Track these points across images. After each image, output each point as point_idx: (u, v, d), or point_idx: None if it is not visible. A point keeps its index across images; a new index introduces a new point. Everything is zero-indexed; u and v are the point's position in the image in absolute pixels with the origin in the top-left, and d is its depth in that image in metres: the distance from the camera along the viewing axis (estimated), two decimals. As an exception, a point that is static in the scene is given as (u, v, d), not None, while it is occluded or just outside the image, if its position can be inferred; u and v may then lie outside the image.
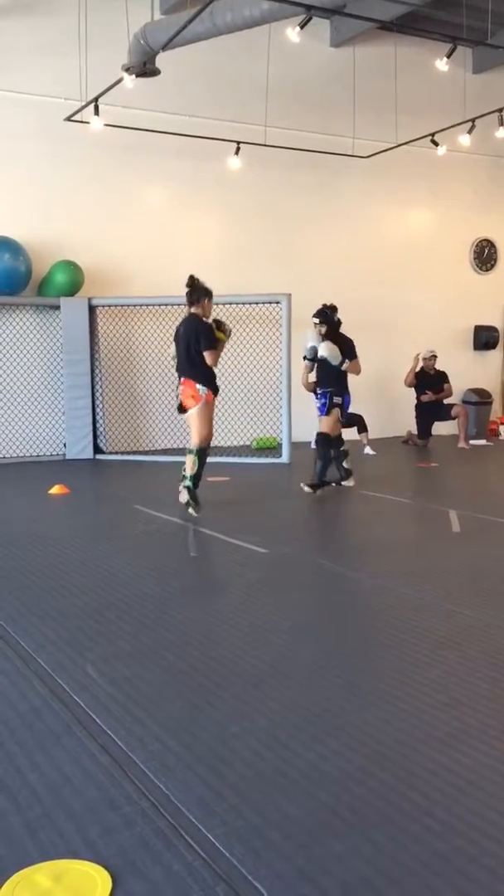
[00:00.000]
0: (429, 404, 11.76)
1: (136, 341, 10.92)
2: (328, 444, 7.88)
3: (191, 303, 6.99)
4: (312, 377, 8.28)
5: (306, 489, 7.63)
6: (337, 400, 7.92)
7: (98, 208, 10.73)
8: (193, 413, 6.87)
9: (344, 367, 7.84)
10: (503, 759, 2.72)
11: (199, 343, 6.80)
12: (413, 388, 11.82)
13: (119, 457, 10.53)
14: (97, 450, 10.57)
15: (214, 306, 10.74)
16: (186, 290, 6.98)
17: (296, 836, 2.29)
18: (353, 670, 3.52)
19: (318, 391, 8.08)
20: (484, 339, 13.67)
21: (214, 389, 6.92)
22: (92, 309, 10.46)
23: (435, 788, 2.54)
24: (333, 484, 8.05)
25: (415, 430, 12.00)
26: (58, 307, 10.31)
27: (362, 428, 10.98)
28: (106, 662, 3.59)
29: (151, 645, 3.83)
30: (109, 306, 10.65)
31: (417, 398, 11.83)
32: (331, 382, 7.95)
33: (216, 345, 6.85)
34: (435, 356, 11.79)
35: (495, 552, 5.73)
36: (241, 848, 2.23)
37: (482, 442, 12.38)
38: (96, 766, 2.70)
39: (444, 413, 11.75)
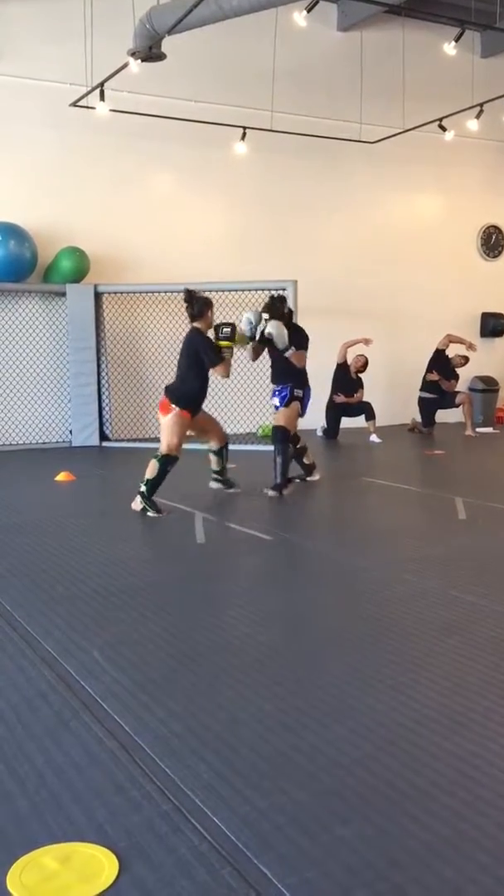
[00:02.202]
0: (435, 390, 11.70)
1: (142, 328, 10.90)
2: (286, 438, 7.33)
3: (192, 317, 6.69)
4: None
5: (270, 494, 7.09)
6: (297, 393, 7.38)
7: (104, 194, 10.70)
8: (166, 421, 6.61)
9: (288, 353, 7.19)
10: (508, 745, 2.72)
11: (196, 360, 6.54)
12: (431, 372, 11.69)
13: (125, 444, 10.54)
14: (103, 437, 10.58)
15: (221, 294, 10.81)
16: (185, 304, 6.70)
17: (301, 820, 2.30)
18: (359, 657, 3.53)
19: (276, 387, 7.56)
20: (491, 326, 13.62)
21: (190, 409, 6.64)
22: (98, 296, 10.45)
23: (440, 774, 2.55)
24: (297, 480, 7.61)
25: (419, 418, 11.98)
26: (63, 294, 10.30)
27: (370, 415, 10.97)
28: (112, 648, 3.60)
29: (157, 630, 3.85)
30: (115, 293, 10.63)
31: (426, 382, 11.72)
32: (289, 377, 7.39)
33: (221, 357, 6.59)
34: (467, 361, 11.75)
35: (500, 539, 5.73)
36: (247, 831, 2.25)
37: (489, 429, 12.36)
38: (103, 750, 2.71)
39: (448, 401, 11.72)
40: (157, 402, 6.87)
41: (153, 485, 6.45)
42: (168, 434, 6.56)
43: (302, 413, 7.53)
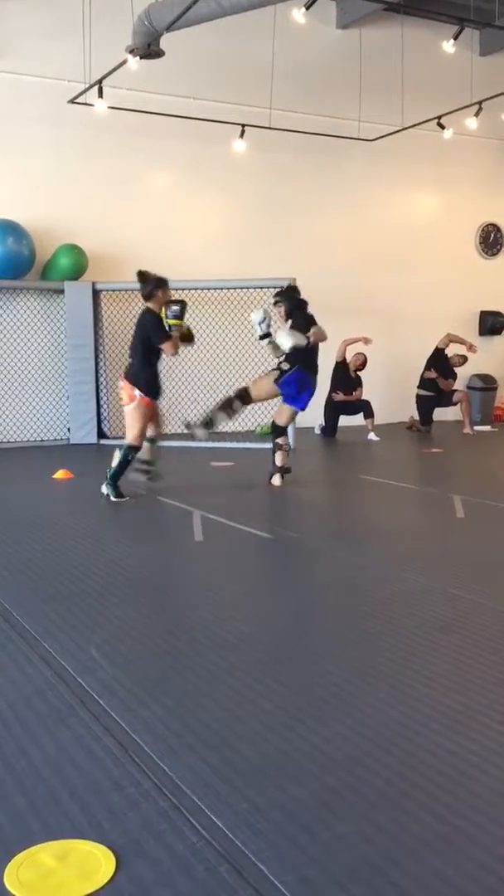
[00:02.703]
0: (432, 388, 11.71)
1: (132, 325, 10.88)
2: (242, 398, 7.54)
3: (145, 297, 6.77)
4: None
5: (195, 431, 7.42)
6: (283, 367, 7.27)
7: (102, 191, 10.69)
8: (128, 410, 6.76)
9: (311, 339, 7.14)
10: (506, 743, 2.72)
11: (148, 340, 6.63)
12: (430, 369, 11.69)
13: (123, 441, 10.50)
14: (101, 434, 10.57)
15: (220, 292, 10.79)
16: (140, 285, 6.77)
17: (299, 817, 2.30)
18: (357, 655, 3.53)
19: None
20: (489, 324, 13.62)
21: (153, 396, 6.74)
22: (96, 293, 10.44)
23: (438, 772, 2.54)
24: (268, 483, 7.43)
25: (417, 416, 11.98)
26: (62, 291, 10.29)
27: (368, 413, 10.97)
28: (110, 645, 3.60)
29: (155, 628, 3.84)
30: (113, 290, 10.62)
31: (424, 379, 11.71)
32: (294, 356, 7.23)
33: (169, 335, 6.62)
34: (465, 360, 11.73)
35: (499, 537, 5.73)
36: (245, 829, 2.24)
37: (487, 428, 12.36)
38: (100, 747, 2.71)
39: (446, 400, 11.72)
40: (120, 387, 6.97)
41: (116, 472, 6.71)
42: (129, 423, 6.73)
43: (294, 394, 7.30)
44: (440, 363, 11.66)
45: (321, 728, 2.83)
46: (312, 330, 7.15)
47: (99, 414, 10.58)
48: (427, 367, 11.70)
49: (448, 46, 9.30)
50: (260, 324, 7.33)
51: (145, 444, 7.08)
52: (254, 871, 2.07)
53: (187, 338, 6.91)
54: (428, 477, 8.53)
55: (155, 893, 2.00)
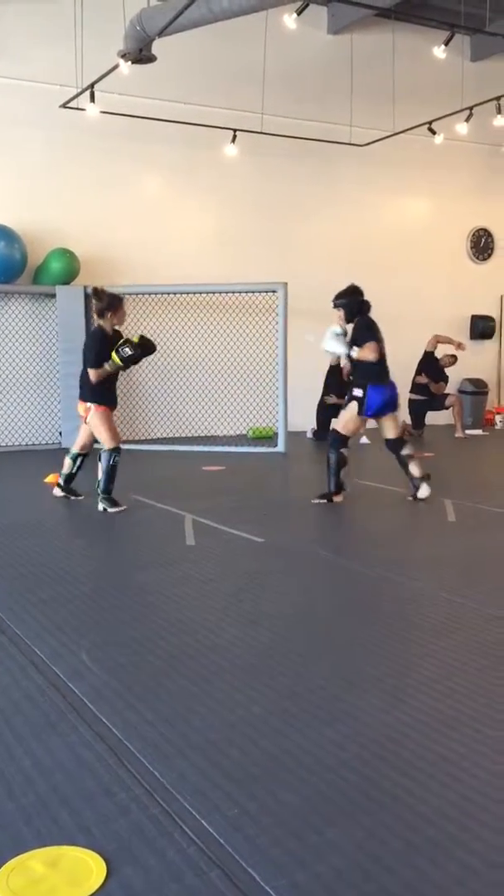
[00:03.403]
0: (424, 392, 11.72)
1: (132, 329, 10.87)
2: (334, 443, 6.88)
3: (97, 315, 6.62)
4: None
5: (314, 501, 6.88)
6: (356, 392, 6.81)
7: (94, 196, 10.69)
8: (92, 422, 6.61)
9: (354, 354, 6.76)
10: (496, 748, 2.73)
11: (85, 359, 6.58)
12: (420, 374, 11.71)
13: (102, 448, 10.50)
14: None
15: (211, 296, 10.80)
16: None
17: (290, 822, 2.30)
18: (348, 659, 3.53)
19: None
20: (480, 328, 13.66)
21: (107, 403, 6.61)
22: (88, 297, 10.41)
23: (429, 776, 2.55)
24: (409, 498, 6.98)
25: (409, 420, 11.99)
26: (53, 295, 10.28)
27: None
28: (101, 650, 3.59)
29: (147, 633, 3.84)
30: (105, 295, 10.60)
31: (415, 384, 11.72)
32: (354, 372, 6.96)
33: (102, 363, 6.46)
34: (455, 360, 11.76)
35: (490, 541, 5.75)
36: (236, 834, 2.24)
37: (478, 431, 12.39)
38: (91, 753, 2.70)
39: (438, 403, 11.75)
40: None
41: (107, 481, 6.56)
42: (100, 431, 6.59)
43: (368, 412, 6.80)
44: (430, 367, 11.68)
45: (312, 733, 2.84)
46: (358, 350, 6.73)
47: (91, 418, 10.56)
48: (418, 372, 11.71)
49: (439, 52, 9.34)
50: (339, 337, 6.85)
51: (67, 460, 6.97)
52: (244, 877, 2.07)
53: (146, 350, 6.66)
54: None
55: (145, 899, 2.00)
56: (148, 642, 3.72)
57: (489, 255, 13.88)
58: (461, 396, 12.36)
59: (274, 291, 10.28)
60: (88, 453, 6.98)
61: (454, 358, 11.74)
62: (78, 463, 6.97)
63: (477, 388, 13.14)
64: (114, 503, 6.55)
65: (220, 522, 6.14)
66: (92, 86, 9.25)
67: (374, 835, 2.25)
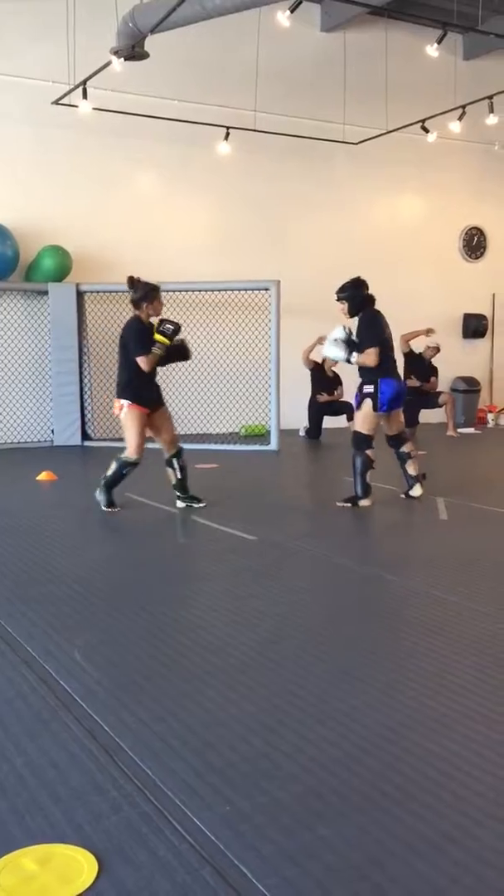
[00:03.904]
0: (416, 392, 11.72)
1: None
2: (359, 444, 6.63)
3: (134, 305, 6.38)
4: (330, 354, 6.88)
5: (339, 504, 6.70)
6: (367, 389, 6.60)
7: (86, 193, 10.67)
8: (123, 421, 6.38)
9: (353, 359, 6.55)
10: (489, 745, 2.73)
11: (127, 350, 6.29)
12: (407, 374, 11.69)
13: (108, 443, 10.49)
14: (85, 436, 10.55)
15: (205, 294, 10.79)
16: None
17: (282, 820, 2.30)
18: (341, 657, 3.53)
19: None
20: (473, 327, 13.69)
21: (142, 402, 6.32)
22: (80, 295, 10.41)
23: (421, 774, 2.55)
24: (402, 496, 6.99)
25: (401, 418, 11.98)
26: (46, 293, 10.27)
27: (351, 417, 10.98)
28: (94, 648, 3.59)
29: (139, 631, 3.83)
30: (98, 292, 10.60)
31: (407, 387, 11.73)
32: (362, 369, 6.68)
33: (149, 349, 6.22)
34: (438, 349, 11.67)
35: (482, 539, 5.76)
36: (228, 832, 2.24)
37: (470, 430, 12.42)
38: (83, 751, 2.70)
39: (431, 401, 11.75)
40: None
41: (109, 481, 6.39)
42: (126, 434, 6.37)
43: (383, 408, 6.61)
44: (416, 366, 11.62)
45: (304, 730, 2.84)
46: (357, 355, 6.53)
47: (83, 416, 10.55)
48: (406, 376, 11.65)
49: (432, 50, 9.34)
50: (341, 342, 6.63)
51: (168, 470, 6.59)
52: (236, 874, 2.07)
53: (181, 353, 6.52)
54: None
55: (137, 897, 1.99)
56: (140, 640, 3.71)
57: (482, 254, 13.90)
58: (453, 395, 12.38)
59: (266, 289, 10.28)
60: (181, 449, 6.63)
61: (436, 349, 11.61)
62: (177, 465, 6.58)
63: (469, 387, 13.17)
64: (110, 502, 6.38)
65: (212, 520, 6.14)
66: (84, 82, 9.23)
67: (367, 832, 2.25)
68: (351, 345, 6.61)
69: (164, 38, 9.21)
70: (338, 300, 6.74)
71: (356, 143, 11.75)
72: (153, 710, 2.99)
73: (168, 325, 6.29)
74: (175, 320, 6.44)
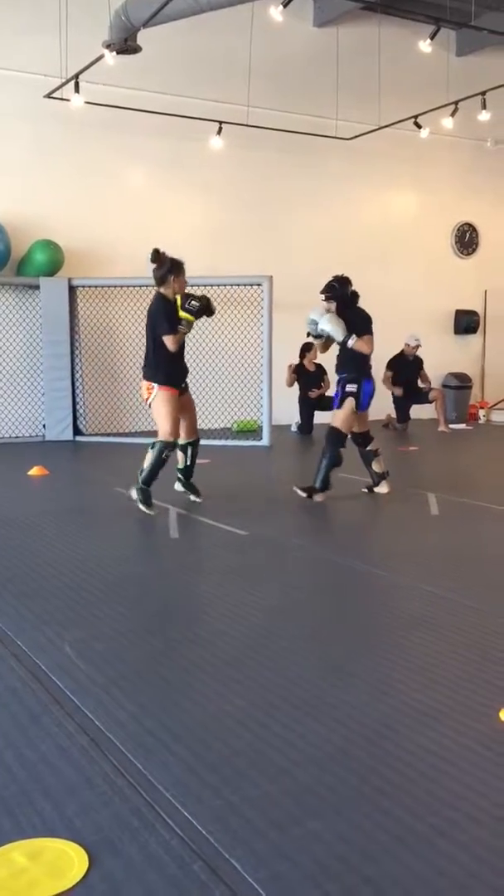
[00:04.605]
0: (407, 389, 11.77)
1: (117, 322, 10.85)
2: (336, 441, 6.66)
3: (157, 282, 6.18)
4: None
5: (299, 492, 6.68)
6: (350, 388, 6.67)
7: (78, 187, 10.63)
8: (153, 405, 6.19)
9: (350, 342, 6.57)
10: (479, 740, 2.74)
11: (156, 329, 6.09)
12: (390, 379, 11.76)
13: (99, 438, 10.49)
14: (77, 431, 10.53)
15: (194, 288, 10.75)
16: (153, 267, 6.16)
17: (273, 814, 2.30)
18: (332, 651, 3.54)
19: (337, 377, 6.88)
20: (464, 323, 13.71)
21: (172, 383, 6.15)
22: (72, 289, 10.38)
23: (412, 768, 2.56)
24: (364, 490, 7.06)
25: (394, 414, 12.03)
26: (37, 287, 10.23)
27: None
28: (84, 643, 3.58)
29: (130, 626, 3.83)
30: (90, 287, 10.57)
31: (393, 385, 11.76)
32: (345, 365, 6.75)
33: (174, 329, 6.07)
34: (418, 344, 11.67)
35: (472, 535, 5.77)
36: (218, 826, 2.24)
37: (462, 426, 12.44)
38: (74, 745, 2.69)
39: (422, 397, 11.80)
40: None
41: (148, 474, 6.12)
42: (157, 418, 6.15)
43: (362, 407, 6.75)
44: (401, 368, 11.65)
45: (295, 725, 2.84)
46: (356, 339, 6.58)
47: (75, 411, 10.53)
48: (394, 383, 11.67)
49: (425, 46, 9.34)
50: (310, 321, 6.72)
51: (178, 453, 6.45)
52: (227, 868, 2.07)
53: (207, 311, 6.26)
54: (403, 475, 8.56)
55: (128, 891, 1.99)
56: (131, 635, 3.71)
57: (474, 250, 13.92)
58: (444, 391, 12.40)
59: (259, 284, 10.26)
60: (198, 439, 6.55)
61: (416, 345, 11.60)
62: (189, 453, 6.49)
63: (461, 383, 13.19)
64: (147, 502, 6.11)
65: (204, 515, 6.14)
66: (76, 76, 9.19)
67: (358, 826, 2.25)
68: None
69: (156, 32, 9.18)
70: (325, 300, 6.75)
71: (349, 139, 11.74)
72: (144, 705, 2.98)
73: (194, 302, 6.13)
74: (200, 294, 6.29)
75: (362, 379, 6.70)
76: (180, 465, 6.57)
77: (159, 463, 6.13)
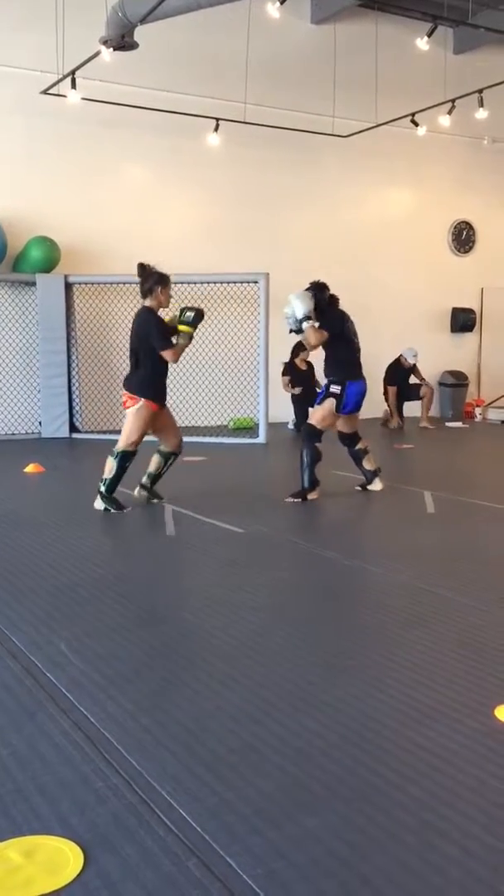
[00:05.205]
0: (402, 386, 11.84)
1: (113, 319, 10.84)
2: (309, 437, 6.68)
3: (143, 294, 6.14)
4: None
5: (288, 500, 6.62)
6: (333, 389, 6.68)
7: (75, 183, 10.61)
8: (128, 413, 6.16)
9: (305, 325, 6.55)
10: (473, 737, 2.74)
11: (147, 343, 6.02)
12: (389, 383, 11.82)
13: (95, 436, 10.48)
14: (73, 428, 10.52)
15: (193, 286, 10.76)
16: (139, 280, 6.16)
17: (268, 811, 2.30)
18: (327, 648, 3.54)
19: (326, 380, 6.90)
20: (461, 321, 13.71)
21: (159, 400, 6.18)
22: (68, 286, 10.37)
23: (406, 765, 2.56)
24: (358, 488, 7.04)
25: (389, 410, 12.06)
26: (33, 284, 10.21)
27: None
28: (80, 640, 3.58)
29: (126, 623, 3.83)
30: (86, 284, 10.55)
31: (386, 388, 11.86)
32: (330, 368, 6.80)
33: (172, 343, 6.05)
34: (415, 362, 11.72)
35: (468, 532, 5.78)
36: (214, 823, 2.24)
37: (458, 424, 12.45)
38: (69, 742, 2.69)
39: (413, 393, 11.88)
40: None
41: (112, 483, 6.17)
42: (129, 427, 6.15)
43: (346, 409, 6.72)
44: (398, 374, 11.74)
45: (290, 722, 2.84)
46: (317, 330, 6.56)
47: (71, 408, 10.52)
48: (389, 385, 11.76)
49: (422, 44, 9.33)
50: (293, 318, 6.63)
51: (156, 457, 6.46)
52: (222, 866, 2.07)
53: (200, 319, 6.25)
54: (399, 473, 8.56)
55: (123, 888, 1.99)
56: (127, 632, 3.71)
57: (470, 248, 13.92)
58: (433, 387, 12.36)
59: (255, 282, 10.26)
60: (180, 453, 6.53)
61: (413, 362, 11.70)
62: (169, 462, 6.48)
63: (457, 381, 13.19)
64: (118, 506, 6.16)
65: (200, 513, 6.13)
66: (73, 72, 9.17)
67: (353, 824, 2.25)
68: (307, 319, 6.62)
69: (153, 28, 9.16)
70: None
71: (345, 136, 11.73)
72: (139, 702, 2.98)
73: (189, 313, 6.14)
74: (194, 306, 6.31)
75: (347, 381, 6.69)
76: (152, 470, 6.49)
77: (122, 474, 6.17)
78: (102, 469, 6.24)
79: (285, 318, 6.74)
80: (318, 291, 6.73)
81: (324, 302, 6.71)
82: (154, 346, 6.02)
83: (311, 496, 6.70)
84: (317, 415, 6.81)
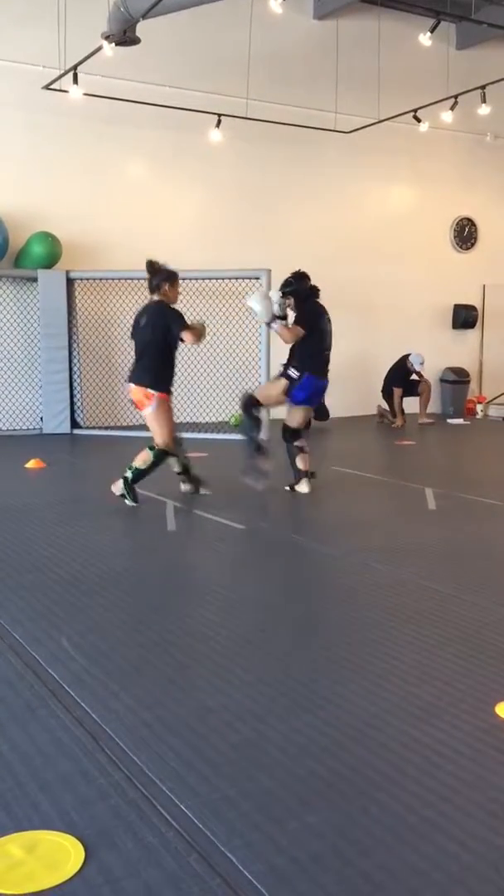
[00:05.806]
0: (402, 383, 11.86)
1: (115, 315, 10.83)
2: (245, 405, 6.80)
3: (151, 290, 6.24)
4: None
5: (296, 488, 6.80)
6: (292, 373, 6.65)
7: (76, 179, 10.60)
8: (149, 414, 6.15)
9: (275, 327, 6.61)
10: (473, 734, 2.75)
11: (168, 331, 6.03)
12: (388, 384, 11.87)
13: (97, 431, 10.48)
14: (74, 424, 10.52)
15: (195, 282, 10.75)
16: (147, 276, 6.24)
17: (269, 807, 2.31)
18: (328, 645, 3.54)
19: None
20: (463, 317, 13.69)
21: (168, 390, 6.20)
22: (70, 282, 10.36)
23: (407, 761, 2.56)
24: (287, 488, 6.91)
25: (385, 406, 12.05)
26: (35, 279, 10.20)
27: (324, 415, 11.00)
28: (81, 636, 3.58)
29: (127, 619, 3.83)
30: (88, 279, 10.54)
31: (386, 387, 11.89)
32: (294, 358, 6.73)
33: (189, 325, 6.08)
34: (421, 369, 11.82)
35: (469, 529, 5.77)
36: (215, 819, 2.24)
37: (459, 421, 12.44)
38: (70, 738, 2.70)
39: (413, 391, 11.88)
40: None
41: (139, 474, 6.15)
42: (157, 427, 6.12)
43: (295, 399, 6.69)
44: (401, 372, 11.77)
45: (292, 718, 2.84)
46: (290, 327, 6.54)
47: (72, 403, 10.52)
48: (393, 383, 11.79)
49: (425, 39, 9.31)
50: (261, 310, 6.62)
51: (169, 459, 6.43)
52: (223, 861, 2.07)
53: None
54: (400, 469, 8.57)
55: (124, 884, 2.00)
56: (128, 628, 3.71)
57: (472, 245, 13.89)
58: (430, 383, 12.35)
59: (257, 278, 10.24)
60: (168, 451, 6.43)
61: (419, 369, 11.77)
62: (160, 458, 6.33)
63: (459, 378, 13.18)
64: (134, 497, 6.14)
65: (201, 509, 6.13)
66: (75, 68, 9.15)
67: (353, 820, 2.26)
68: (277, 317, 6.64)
69: (155, 23, 9.14)
70: (283, 296, 6.71)
71: (348, 132, 11.71)
72: (141, 698, 2.99)
73: (200, 328, 6.20)
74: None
75: (308, 373, 6.60)
76: (178, 468, 6.53)
77: (153, 468, 6.17)
78: (135, 456, 6.17)
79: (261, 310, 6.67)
80: (297, 281, 6.71)
81: (304, 292, 6.67)
82: (172, 335, 6.03)
83: (299, 462, 6.77)
84: (264, 387, 6.87)
